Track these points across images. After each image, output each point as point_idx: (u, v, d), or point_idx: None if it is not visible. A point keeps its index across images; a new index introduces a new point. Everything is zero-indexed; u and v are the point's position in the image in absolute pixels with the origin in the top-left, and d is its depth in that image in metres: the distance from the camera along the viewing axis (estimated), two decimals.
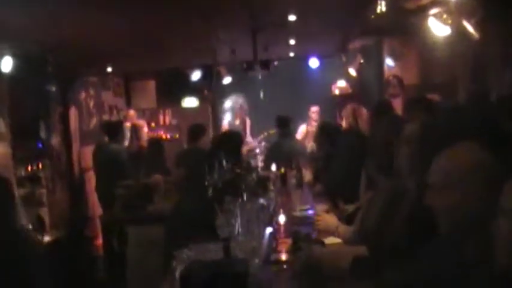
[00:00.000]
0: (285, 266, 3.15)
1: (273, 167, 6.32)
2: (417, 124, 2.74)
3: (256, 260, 3.12)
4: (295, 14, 5.71)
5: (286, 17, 5.80)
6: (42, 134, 7.36)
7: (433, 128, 2.67)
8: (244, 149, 9.05)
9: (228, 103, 10.22)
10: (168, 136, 11.08)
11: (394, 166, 2.85)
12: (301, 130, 9.34)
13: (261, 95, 10.03)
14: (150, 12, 5.50)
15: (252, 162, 7.61)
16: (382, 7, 5.55)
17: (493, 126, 3.36)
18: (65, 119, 8.31)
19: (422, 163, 2.59)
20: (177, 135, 10.93)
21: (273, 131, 8.49)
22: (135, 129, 8.76)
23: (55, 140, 7.91)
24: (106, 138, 7.54)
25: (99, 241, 7.98)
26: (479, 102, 5.10)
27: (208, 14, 5.54)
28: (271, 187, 5.82)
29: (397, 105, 7.99)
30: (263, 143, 9.14)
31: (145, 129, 9.16)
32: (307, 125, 9.34)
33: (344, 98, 10.05)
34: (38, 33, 5.83)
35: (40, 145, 7.27)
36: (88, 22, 5.65)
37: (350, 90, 10.45)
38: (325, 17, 6.12)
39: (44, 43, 6.22)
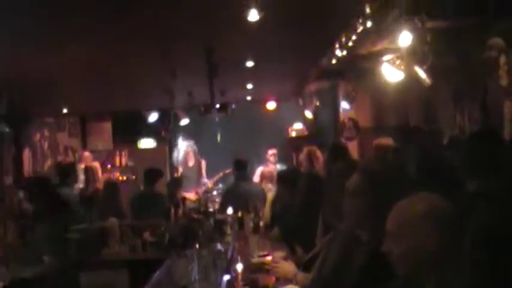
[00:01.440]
0: None
1: (230, 210, 6.29)
2: (358, 176, 2.77)
3: None
4: (252, 59, 5.77)
5: (244, 62, 5.86)
6: None
7: (373, 179, 2.72)
8: (200, 190, 9.03)
9: (180, 146, 10.20)
10: (125, 177, 10.98)
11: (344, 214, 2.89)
12: (258, 172, 9.36)
13: (218, 137, 10.04)
14: (107, 54, 5.48)
15: (210, 205, 7.58)
16: (339, 52, 5.66)
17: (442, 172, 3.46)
18: (18, 161, 8.14)
19: (366, 212, 2.65)
20: (134, 177, 10.83)
21: (229, 170, 8.48)
22: (91, 171, 8.63)
23: (8, 182, 7.73)
24: (58, 181, 7.39)
25: None
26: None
27: (167, 58, 5.55)
28: (229, 231, 5.79)
29: (353, 147, 8.11)
30: (220, 185, 9.13)
31: (99, 171, 9.04)
32: (265, 167, 9.37)
33: (300, 140, 10.14)
34: None
35: None
36: (42, 63, 5.60)
37: (306, 132, 10.56)
38: (282, 62, 6.21)
39: None
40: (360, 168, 2.83)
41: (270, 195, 6.72)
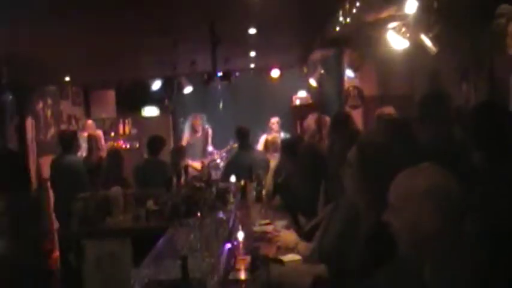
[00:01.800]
0: (243, 286, 3.10)
1: (233, 178, 6.29)
2: (357, 147, 2.73)
3: (214, 280, 3.08)
4: (255, 27, 5.70)
5: (247, 31, 5.79)
6: None
7: (371, 150, 2.68)
8: (206, 161, 9.03)
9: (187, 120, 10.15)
10: (128, 146, 10.98)
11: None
12: (262, 141, 9.34)
13: (220, 105, 9.99)
14: (109, 24, 5.42)
15: (213, 173, 7.58)
16: (342, 21, 5.58)
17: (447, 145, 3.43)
18: (21, 130, 8.13)
19: (365, 185, 2.61)
20: (137, 145, 10.83)
21: (236, 144, 8.47)
22: (95, 139, 8.62)
23: None
24: (61, 150, 7.39)
25: (56, 255, 7.81)
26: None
27: (168, 26, 5.49)
28: (231, 200, 5.80)
29: (357, 116, 8.07)
30: (224, 154, 9.12)
31: (102, 139, 9.04)
32: (268, 135, 9.33)
33: (304, 108, 10.09)
34: None
35: None
36: (44, 33, 5.54)
37: (310, 101, 10.50)
38: (286, 30, 6.14)
39: None
40: (359, 140, 2.78)
41: (273, 164, 6.71)
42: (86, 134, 8.88)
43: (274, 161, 6.90)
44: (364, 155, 2.65)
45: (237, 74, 9.17)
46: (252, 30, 5.78)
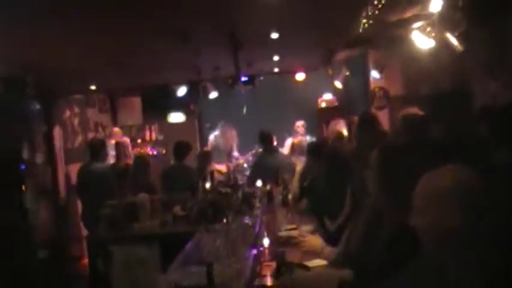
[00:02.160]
0: None
1: (259, 183, 6.28)
2: (378, 150, 2.72)
3: (239, 286, 3.07)
4: (276, 31, 5.68)
5: (268, 35, 5.78)
6: (25, 155, 7.28)
7: (391, 151, 2.65)
8: (232, 165, 9.04)
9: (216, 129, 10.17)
10: (155, 152, 11.05)
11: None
12: (288, 144, 9.32)
13: (244, 109, 9.98)
14: (131, 31, 5.46)
15: (239, 178, 7.58)
16: (365, 23, 5.54)
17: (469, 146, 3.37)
18: (49, 139, 8.23)
19: (386, 187, 2.59)
20: (164, 151, 10.89)
21: (261, 149, 8.46)
22: (122, 146, 8.70)
23: (39, 160, 7.83)
24: (89, 158, 7.46)
25: (85, 261, 7.89)
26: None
27: (190, 32, 5.50)
28: (257, 204, 5.80)
29: (384, 117, 8.00)
30: (250, 158, 9.11)
31: (130, 146, 9.11)
32: (294, 139, 9.32)
33: (330, 110, 10.04)
34: (16, 53, 5.76)
35: (23, 167, 7.18)
36: (68, 41, 5.59)
37: (336, 103, 10.44)
38: (307, 33, 6.10)
39: (23, 63, 6.15)
40: (381, 143, 2.76)
41: (299, 168, 6.68)
42: (113, 142, 8.94)
43: (300, 164, 6.88)
44: (385, 156, 2.63)
45: (262, 78, 9.16)
46: (274, 35, 5.76)
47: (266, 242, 3.68)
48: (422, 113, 5.81)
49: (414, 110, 6.00)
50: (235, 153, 9.63)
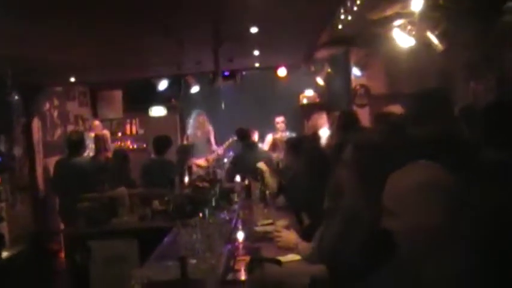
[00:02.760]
0: (241, 287, 3.08)
1: (237, 178, 6.27)
2: (351, 147, 2.69)
3: (213, 281, 3.07)
4: (257, 26, 5.66)
5: (249, 30, 5.75)
6: (2, 147, 7.20)
7: (367, 150, 2.64)
8: (211, 157, 9.02)
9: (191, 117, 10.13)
10: (135, 146, 11.00)
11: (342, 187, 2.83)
12: (268, 140, 9.32)
13: (222, 105, 9.93)
14: (112, 24, 5.41)
15: (219, 173, 7.56)
16: (345, 19, 5.54)
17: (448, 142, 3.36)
18: (27, 131, 8.15)
19: (361, 185, 2.57)
20: (144, 145, 10.84)
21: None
22: (102, 139, 8.63)
23: (18, 152, 7.75)
24: (68, 151, 7.39)
25: (63, 255, 7.83)
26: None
27: (171, 26, 5.46)
28: (236, 199, 5.79)
29: (365, 115, 8.03)
30: (231, 153, 9.09)
31: (109, 140, 9.04)
32: (274, 134, 9.31)
33: (312, 107, 10.06)
34: None
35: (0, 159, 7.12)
36: (48, 34, 5.54)
37: (318, 100, 10.46)
38: (288, 29, 6.09)
39: (2, 55, 6.08)
40: (354, 140, 2.74)
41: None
42: (92, 134, 8.87)
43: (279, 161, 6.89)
44: (360, 154, 2.61)
45: (244, 73, 9.14)
46: (254, 29, 5.74)
47: (241, 236, 3.67)
48: (400, 111, 5.85)
49: (396, 108, 6.02)
50: (214, 146, 9.59)
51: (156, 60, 7.75)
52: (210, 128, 9.80)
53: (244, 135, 7.57)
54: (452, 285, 1.82)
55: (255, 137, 9.02)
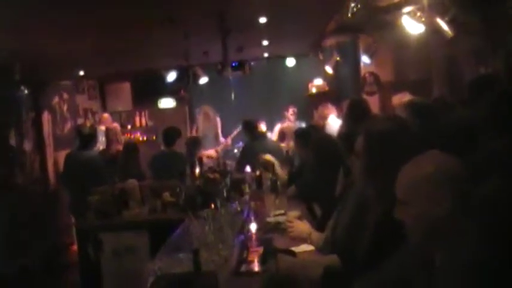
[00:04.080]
0: (255, 278, 3.06)
1: (248, 169, 6.24)
2: (362, 135, 2.66)
3: (226, 272, 3.06)
4: (265, 15, 5.63)
5: (257, 19, 5.72)
6: (13, 141, 7.21)
7: (377, 137, 2.60)
8: (220, 148, 9.00)
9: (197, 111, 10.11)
10: (145, 138, 11.00)
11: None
12: (276, 130, 9.29)
13: (232, 96, 9.90)
14: (118, 15, 5.39)
15: (229, 164, 7.54)
16: (354, 7, 5.49)
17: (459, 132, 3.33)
18: (37, 125, 8.16)
19: (372, 174, 2.55)
20: (154, 137, 10.83)
21: None
22: (112, 132, 8.63)
23: (27, 146, 7.76)
24: (78, 144, 7.39)
25: (75, 248, 7.86)
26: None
27: (178, 17, 5.44)
28: (246, 190, 5.76)
29: (374, 102, 7.99)
30: (240, 143, 9.07)
31: (120, 132, 9.04)
32: (284, 124, 9.28)
33: (321, 96, 10.01)
34: (4, 39, 5.70)
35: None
36: (57, 27, 5.54)
37: (327, 88, 10.40)
38: (296, 18, 6.06)
39: (9, 50, 6.08)
40: (365, 128, 2.70)
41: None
42: (102, 128, 8.87)
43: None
44: (371, 143, 2.58)
45: (252, 63, 9.10)
46: (262, 19, 5.71)
47: (253, 227, 3.64)
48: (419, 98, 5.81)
49: (405, 96, 5.99)
50: (221, 139, 9.56)
51: (163, 51, 7.72)
52: (218, 120, 9.78)
53: (250, 127, 7.53)
54: (464, 274, 1.81)
55: (262, 127, 8.98)
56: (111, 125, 9.09)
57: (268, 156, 6.14)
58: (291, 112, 9.37)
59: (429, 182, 1.88)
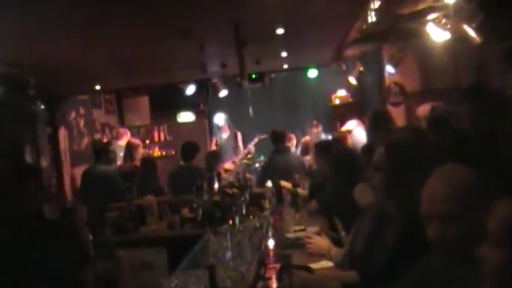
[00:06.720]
0: None
1: (269, 183, 6.13)
2: (381, 148, 2.57)
3: None
4: (282, 26, 5.55)
5: (274, 30, 5.64)
6: (28, 158, 7.15)
7: (398, 150, 2.51)
8: (237, 159, 8.85)
9: (215, 120, 10.02)
10: (164, 153, 10.92)
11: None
12: (300, 143, 9.14)
13: (250, 109, 9.75)
14: (134, 29, 5.37)
15: (248, 178, 7.40)
16: (372, 17, 5.38)
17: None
18: (54, 141, 8.11)
19: (392, 187, 2.44)
20: (173, 152, 10.74)
21: (264, 136, 8.32)
22: (132, 147, 8.53)
23: (44, 162, 7.71)
24: (94, 160, 7.33)
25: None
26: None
27: (193, 29, 5.36)
28: (267, 205, 5.65)
29: (399, 113, 7.81)
30: (262, 157, 8.93)
31: (141, 148, 8.93)
32: (307, 137, 9.13)
33: (344, 107, 9.86)
34: (19, 53, 5.71)
35: None
36: (73, 41, 5.55)
37: (350, 99, 10.24)
38: (315, 28, 5.96)
39: (25, 64, 6.07)
40: (386, 141, 2.61)
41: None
42: (121, 143, 8.80)
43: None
44: (390, 154, 2.53)
45: (272, 75, 8.99)
46: (280, 30, 5.62)
47: (271, 243, 3.54)
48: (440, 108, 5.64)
49: (429, 106, 5.84)
50: (242, 150, 9.44)
51: (181, 64, 7.65)
52: (237, 132, 9.66)
53: (279, 138, 7.37)
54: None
55: (293, 142, 8.86)
56: (134, 141, 9.00)
57: (284, 183, 6.04)
58: (313, 125, 9.25)
59: (452, 196, 1.80)
